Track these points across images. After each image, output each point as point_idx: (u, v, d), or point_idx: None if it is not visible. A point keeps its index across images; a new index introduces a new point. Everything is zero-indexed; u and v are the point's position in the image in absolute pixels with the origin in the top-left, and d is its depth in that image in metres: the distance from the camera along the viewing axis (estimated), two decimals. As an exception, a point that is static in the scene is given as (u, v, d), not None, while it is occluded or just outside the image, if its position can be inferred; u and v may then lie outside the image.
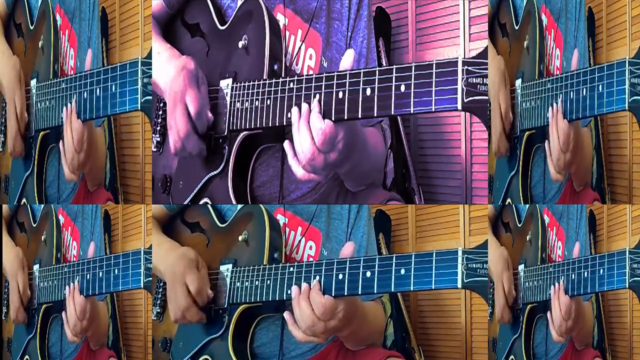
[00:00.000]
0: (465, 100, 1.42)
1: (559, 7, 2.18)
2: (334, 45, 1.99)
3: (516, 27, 2.25)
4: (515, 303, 2.28)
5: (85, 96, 2.03)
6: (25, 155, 2.23)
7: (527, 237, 2.29)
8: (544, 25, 2.19)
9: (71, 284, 2.18)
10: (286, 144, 1.68)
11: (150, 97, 1.91)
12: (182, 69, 1.81)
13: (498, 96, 2.20)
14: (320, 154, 1.61)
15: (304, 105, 1.63)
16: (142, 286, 2.05)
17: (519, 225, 2.31)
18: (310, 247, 1.95)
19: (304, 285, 1.73)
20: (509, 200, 2.25)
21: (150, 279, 2.04)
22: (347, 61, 1.63)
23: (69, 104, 2.06)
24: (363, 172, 1.90)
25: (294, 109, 1.65)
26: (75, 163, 2.13)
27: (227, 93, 1.83)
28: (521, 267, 2.29)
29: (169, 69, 1.85)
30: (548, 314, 2.19)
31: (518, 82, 2.20)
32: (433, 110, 1.46)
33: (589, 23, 2.16)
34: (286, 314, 1.77)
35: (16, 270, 2.32)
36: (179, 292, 1.85)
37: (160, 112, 2.04)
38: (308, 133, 1.61)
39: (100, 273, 2.12)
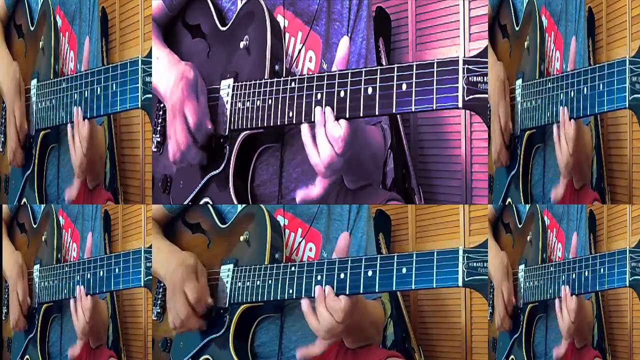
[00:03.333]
0: (466, 99, 1.44)
1: (559, 10, 2.19)
2: (334, 47, 1.98)
3: (517, 28, 2.26)
4: (515, 308, 2.29)
5: (86, 95, 2.03)
6: (25, 164, 2.23)
7: (528, 238, 2.29)
8: (545, 27, 2.19)
9: (77, 288, 2.18)
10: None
11: (151, 96, 1.91)
12: (181, 79, 1.80)
13: (497, 108, 2.20)
14: (339, 158, 1.62)
15: (317, 111, 1.63)
16: (142, 284, 2.05)
17: (520, 226, 2.31)
18: (310, 249, 1.95)
19: (318, 290, 1.73)
20: (509, 200, 2.25)
21: (151, 277, 2.04)
22: (342, 47, 1.66)
23: (76, 109, 2.07)
24: (361, 164, 1.89)
25: (304, 126, 1.65)
26: (83, 166, 2.13)
27: (228, 93, 1.83)
28: (521, 267, 2.29)
29: (168, 75, 1.85)
30: (556, 319, 2.20)
31: (518, 82, 2.21)
32: (434, 108, 1.47)
33: (589, 23, 2.16)
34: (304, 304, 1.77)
35: (16, 277, 2.32)
36: (178, 301, 1.85)
37: (161, 113, 2.04)
38: (326, 140, 1.61)
39: (101, 272, 2.12)
